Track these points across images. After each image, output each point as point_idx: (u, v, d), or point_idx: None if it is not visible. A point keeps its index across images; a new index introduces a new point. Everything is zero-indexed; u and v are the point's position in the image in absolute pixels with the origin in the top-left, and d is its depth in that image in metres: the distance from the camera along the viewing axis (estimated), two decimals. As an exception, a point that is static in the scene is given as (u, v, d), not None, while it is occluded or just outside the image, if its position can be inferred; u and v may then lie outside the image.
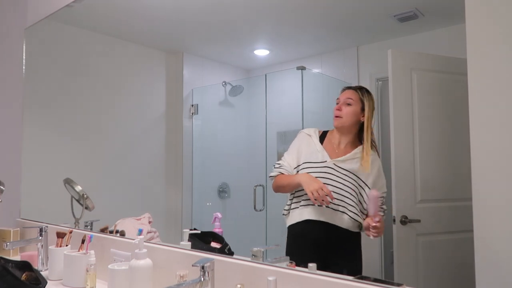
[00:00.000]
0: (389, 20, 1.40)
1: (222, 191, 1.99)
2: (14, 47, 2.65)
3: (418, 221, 1.26)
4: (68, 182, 2.12)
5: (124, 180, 2.21)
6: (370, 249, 1.39)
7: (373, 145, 1.39)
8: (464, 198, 0.99)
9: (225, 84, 1.98)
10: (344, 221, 1.37)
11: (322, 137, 1.47)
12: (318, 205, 1.37)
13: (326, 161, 1.41)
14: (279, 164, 1.51)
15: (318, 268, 1.17)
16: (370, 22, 1.50)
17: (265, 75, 1.79)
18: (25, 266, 1.53)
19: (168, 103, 2.15)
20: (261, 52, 1.91)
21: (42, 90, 2.52)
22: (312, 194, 1.36)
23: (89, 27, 2.37)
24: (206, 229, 1.62)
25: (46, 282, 1.50)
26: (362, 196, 1.37)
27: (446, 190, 1.25)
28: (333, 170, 1.40)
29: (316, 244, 1.41)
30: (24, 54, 2.55)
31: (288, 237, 1.48)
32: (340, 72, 1.54)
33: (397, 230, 1.27)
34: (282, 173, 1.49)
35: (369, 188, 1.36)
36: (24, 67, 2.55)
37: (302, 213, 1.43)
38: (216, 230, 1.61)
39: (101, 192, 2.17)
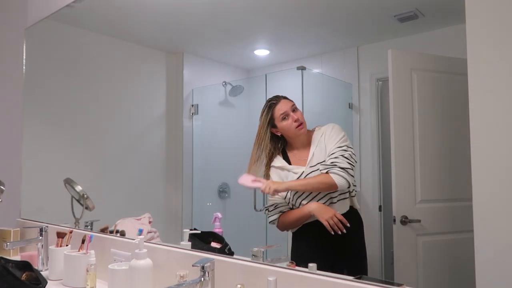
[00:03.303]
0: (389, 20, 1.40)
1: (222, 191, 1.99)
2: (14, 47, 2.65)
3: (418, 221, 1.26)
4: (68, 182, 2.12)
5: (124, 180, 2.21)
6: (370, 249, 1.39)
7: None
8: (464, 198, 0.99)
9: (225, 84, 1.98)
10: (345, 204, 1.37)
11: (286, 158, 1.49)
12: (334, 233, 1.34)
13: (303, 171, 1.43)
14: (272, 205, 1.49)
15: (332, 257, 1.19)
16: (370, 22, 1.50)
17: (265, 75, 1.79)
18: (25, 266, 1.53)
19: (168, 103, 2.15)
20: (261, 52, 1.91)
21: (42, 90, 2.51)
22: (328, 222, 1.34)
23: (89, 27, 2.37)
24: (206, 229, 1.61)
25: (46, 282, 1.50)
26: None
27: (446, 190, 1.25)
28: (312, 173, 1.41)
29: (328, 238, 1.39)
30: (24, 54, 2.55)
31: (296, 243, 1.46)
32: (340, 72, 1.54)
33: (397, 230, 1.27)
34: (283, 211, 1.47)
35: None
36: (24, 67, 2.55)
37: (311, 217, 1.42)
38: (216, 230, 1.61)
39: (101, 192, 2.17)
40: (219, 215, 1.64)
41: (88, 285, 1.52)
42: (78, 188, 2.08)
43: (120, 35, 2.30)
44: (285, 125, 1.45)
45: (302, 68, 1.58)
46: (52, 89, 2.49)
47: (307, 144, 1.46)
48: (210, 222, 1.64)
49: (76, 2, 2.27)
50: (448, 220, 1.25)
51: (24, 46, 2.56)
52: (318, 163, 1.40)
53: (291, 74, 1.64)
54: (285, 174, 1.47)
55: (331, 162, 1.35)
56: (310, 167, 1.42)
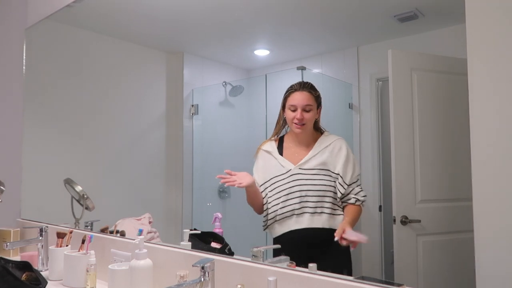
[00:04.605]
0: (389, 20, 1.40)
1: (222, 191, 1.99)
2: (14, 48, 2.65)
3: (418, 221, 1.26)
4: (68, 182, 2.12)
5: (124, 180, 2.21)
6: (370, 249, 1.39)
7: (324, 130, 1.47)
8: (464, 198, 0.99)
9: (225, 84, 1.98)
10: (324, 221, 1.38)
11: (280, 146, 1.50)
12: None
13: (290, 169, 1.43)
14: None
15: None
16: (370, 22, 1.50)
17: (265, 75, 1.79)
18: (25, 266, 1.53)
19: (168, 103, 2.15)
20: (261, 52, 1.91)
21: (42, 90, 2.52)
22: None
23: (89, 27, 2.37)
24: (206, 229, 1.61)
25: (46, 282, 1.50)
26: (337, 187, 1.39)
27: (446, 190, 1.25)
28: (299, 175, 1.41)
29: (302, 250, 1.39)
30: (24, 54, 2.55)
31: (274, 249, 1.47)
32: (340, 72, 1.54)
33: (397, 230, 1.27)
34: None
35: (341, 177, 1.38)
36: (24, 67, 2.55)
37: (283, 225, 1.43)
38: (216, 230, 1.61)
39: (101, 192, 2.17)
40: (219, 215, 1.64)
41: (88, 285, 1.52)
42: (78, 188, 2.08)
43: (120, 35, 2.30)
44: (288, 116, 1.47)
45: (302, 68, 1.58)
46: (52, 89, 2.49)
47: (308, 143, 1.45)
48: (210, 222, 1.64)
49: (76, 2, 2.27)
50: (448, 220, 1.25)
51: (24, 46, 2.56)
52: (313, 169, 1.40)
53: (291, 74, 1.63)
54: (273, 163, 1.48)
55: (363, 196, 1.39)
56: (300, 169, 1.42)
